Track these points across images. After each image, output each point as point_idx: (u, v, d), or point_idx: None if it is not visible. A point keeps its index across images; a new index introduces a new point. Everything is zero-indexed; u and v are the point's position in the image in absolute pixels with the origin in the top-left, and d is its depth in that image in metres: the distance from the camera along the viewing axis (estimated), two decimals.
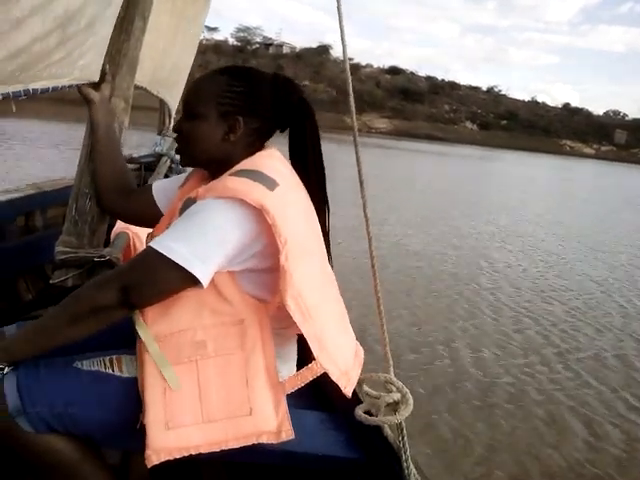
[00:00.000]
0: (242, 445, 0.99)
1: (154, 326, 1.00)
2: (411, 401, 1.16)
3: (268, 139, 1.15)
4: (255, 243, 0.99)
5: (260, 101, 1.10)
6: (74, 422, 1.01)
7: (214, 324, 1.00)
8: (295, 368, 1.17)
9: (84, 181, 1.50)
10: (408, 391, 1.18)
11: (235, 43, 73.87)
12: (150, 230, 1.23)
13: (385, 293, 1.38)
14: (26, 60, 1.08)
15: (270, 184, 0.99)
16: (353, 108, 1.40)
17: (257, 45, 75.20)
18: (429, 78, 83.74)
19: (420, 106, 73.11)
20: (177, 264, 0.93)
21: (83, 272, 1.51)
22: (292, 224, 0.99)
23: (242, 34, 74.37)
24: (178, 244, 0.94)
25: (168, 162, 3.54)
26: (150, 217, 1.26)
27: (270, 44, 75.46)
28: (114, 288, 0.95)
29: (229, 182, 0.99)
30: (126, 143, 1.61)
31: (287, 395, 1.05)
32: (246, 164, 1.05)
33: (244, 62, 58.69)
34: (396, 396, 1.17)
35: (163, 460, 0.95)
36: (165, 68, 2.85)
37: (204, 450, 0.97)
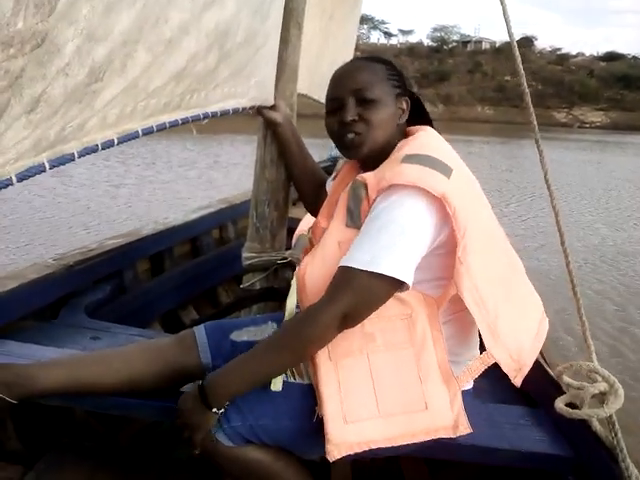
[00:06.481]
0: (419, 441, 0.98)
1: None
2: (621, 391, 1.03)
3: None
4: (440, 233, 0.98)
5: (406, 83, 1.15)
6: (267, 433, 1.04)
7: (379, 316, 1.00)
8: (478, 351, 1.14)
9: (261, 189, 1.59)
10: (616, 380, 1.05)
11: (430, 44, 69.80)
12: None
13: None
14: (191, 81, 1.07)
15: (446, 170, 0.97)
16: (529, 99, 1.40)
17: (454, 44, 69.95)
18: None
19: None
20: (385, 275, 0.92)
21: (269, 274, 1.61)
22: (470, 211, 0.97)
23: (438, 34, 69.85)
24: (381, 254, 0.93)
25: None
26: None
27: (468, 41, 70.34)
28: (336, 319, 0.95)
29: (404, 169, 0.97)
30: None
31: (484, 390, 1.07)
32: (413, 147, 1.03)
33: (439, 62, 61.56)
34: (602, 386, 1.05)
35: (344, 455, 0.96)
36: (321, 72, 2.83)
37: (382, 445, 0.97)
